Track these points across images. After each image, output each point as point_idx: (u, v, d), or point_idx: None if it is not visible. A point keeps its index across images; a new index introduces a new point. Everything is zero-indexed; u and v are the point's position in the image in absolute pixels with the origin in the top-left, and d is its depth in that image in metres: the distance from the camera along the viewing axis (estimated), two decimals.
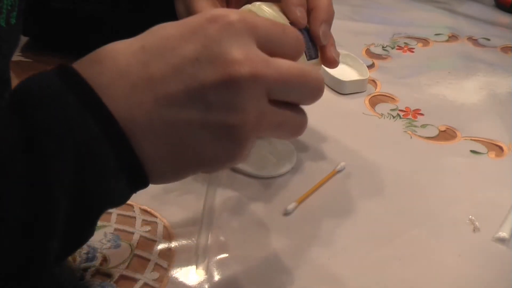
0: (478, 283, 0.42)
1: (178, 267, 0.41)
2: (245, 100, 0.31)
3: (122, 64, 0.31)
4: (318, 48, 0.45)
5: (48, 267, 0.30)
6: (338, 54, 0.46)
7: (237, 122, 0.31)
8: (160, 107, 0.30)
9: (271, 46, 0.34)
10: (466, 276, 0.42)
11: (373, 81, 0.70)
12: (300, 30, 0.42)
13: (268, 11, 0.43)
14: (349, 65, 0.71)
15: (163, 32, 0.32)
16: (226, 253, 0.43)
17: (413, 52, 0.79)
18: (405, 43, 0.81)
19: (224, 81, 0.30)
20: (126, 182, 0.31)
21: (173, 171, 0.33)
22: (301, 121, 0.36)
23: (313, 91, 0.35)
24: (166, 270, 0.41)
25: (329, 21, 0.46)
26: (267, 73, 0.32)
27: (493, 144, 0.58)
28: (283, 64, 0.33)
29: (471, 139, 0.59)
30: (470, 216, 0.48)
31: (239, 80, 0.31)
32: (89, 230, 0.32)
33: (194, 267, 0.42)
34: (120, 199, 0.32)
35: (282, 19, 0.43)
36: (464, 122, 0.62)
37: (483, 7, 0.96)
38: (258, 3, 0.44)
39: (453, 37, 0.84)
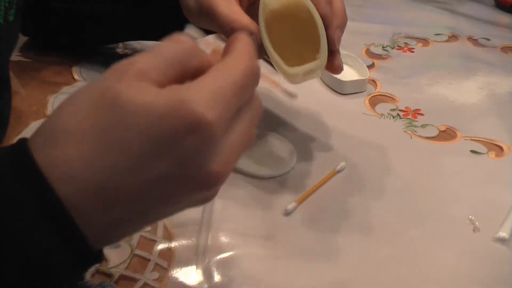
0: (478, 283, 0.42)
1: (178, 267, 0.41)
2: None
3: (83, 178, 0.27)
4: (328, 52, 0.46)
5: None
6: (342, 62, 0.48)
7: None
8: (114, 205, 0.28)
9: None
10: (466, 276, 0.42)
11: (373, 81, 0.70)
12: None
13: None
14: (349, 65, 0.71)
15: (127, 137, 0.27)
16: (226, 253, 0.43)
17: (413, 52, 0.79)
18: (405, 43, 0.81)
19: (198, 190, 0.30)
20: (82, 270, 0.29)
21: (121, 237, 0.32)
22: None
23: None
24: (166, 270, 0.41)
25: (343, 27, 0.47)
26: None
27: (493, 144, 0.58)
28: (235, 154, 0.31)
29: (471, 139, 0.59)
30: (470, 216, 0.48)
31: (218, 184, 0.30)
32: None
33: (194, 267, 0.42)
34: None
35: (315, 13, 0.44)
36: (464, 122, 0.62)
37: (483, 7, 0.96)
38: None
39: (453, 37, 0.84)
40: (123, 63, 0.29)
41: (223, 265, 0.42)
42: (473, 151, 0.57)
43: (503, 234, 0.46)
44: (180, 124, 0.27)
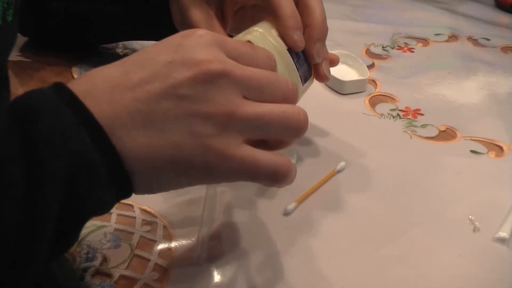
0: (478, 283, 0.42)
1: (178, 267, 0.41)
2: (216, 93, 0.33)
3: (106, 75, 0.34)
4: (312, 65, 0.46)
5: (36, 268, 0.31)
6: (329, 70, 0.48)
7: (209, 111, 0.33)
8: (138, 103, 0.33)
9: (241, 61, 0.35)
10: (466, 276, 0.42)
11: (373, 81, 0.70)
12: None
13: (269, 40, 0.43)
14: (349, 65, 0.71)
15: (142, 50, 0.35)
16: (226, 253, 0.43)
17: (413, 52, 0.79)
18: (405, 43, 0.81)
19: (195, 76, 0.33)
20: (113, 192, 0.33)
21: (156, 175, 0.34)
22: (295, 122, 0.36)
23: (286, 95, 0.36)
24: (166, 270, 0.41)
25: (323, 39, 0.47)
26: (237, 71, 0.34)
27: (493, 144, 0.58)
28: (254, 68, 0.35)
29: (471, 139, 0.59)
30: (470, 216, 0.48)
31: (210, 74, 0.33)
32: (75, 236, 0.34)
33: (194, 267, 0.41)
34: (106, 208, 0.34)
35: (281, 46, 0.43)
36: (464, 122, 0.62)
37: (483, 7, 0.96)
38: (257, 29, 0.43)
39: (453, 37, 0.84)
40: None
41: (223, 265, 0.42)
42: (473, 151, 0.57)
43: (503, 234, 0.46)
44: (178, 34, 0.35)
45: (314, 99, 0.57)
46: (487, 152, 0.57)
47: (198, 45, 0.34)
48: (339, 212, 0.48)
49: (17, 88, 0.60)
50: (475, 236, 0.46)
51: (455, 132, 0.60)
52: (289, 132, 0.36)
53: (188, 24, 0.52)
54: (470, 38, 0.84)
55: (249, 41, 0.41)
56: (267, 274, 0.42)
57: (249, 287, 0.41)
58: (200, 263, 0.42)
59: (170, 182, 0.35)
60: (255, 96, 0.35)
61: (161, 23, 0.58)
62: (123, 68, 0.34)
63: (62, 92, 0.32)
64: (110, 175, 0.32)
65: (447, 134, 0.60)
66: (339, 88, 0.66)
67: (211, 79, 0.33)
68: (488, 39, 0.83)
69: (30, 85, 0.62)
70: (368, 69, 0.70)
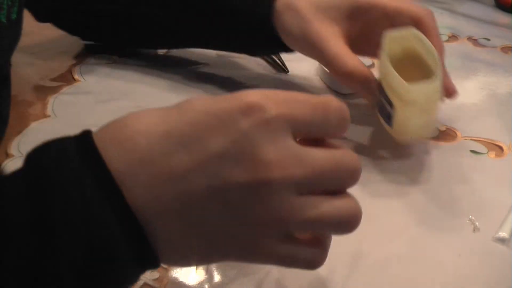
0: (478, 283, 0.42)
1: (178, 267, 0.41)
2: (269, 199, 0.29)
3: (144, 151, 0.29)
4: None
5: None
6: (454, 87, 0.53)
7: (257, 219, 0.30)
8: (178, 203, 0.29)
9: (310, 133, 0.32)
10: (466, 276, 0.42)
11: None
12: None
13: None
14: None
15: (191, 116, 0.29)
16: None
17: None
18: None
19: (251, 184, 0.29)
20: (138, 273, 0.30)
21: (183, 259, 0.32)
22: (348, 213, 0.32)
23: (347, 179, 0.32)
24: (166, 270, 0.41)
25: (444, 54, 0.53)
26: (298, 173, 0.29)
27: (493, 144, 0.58)
28: (318, 157, 0.30)
29: (471, 139, 0.59)
30: (470, 216, 0.48)
31: (268, 184, 0.29)
32: None
33: (194, 267, 0.41)
34: (129, 285, 0.31)
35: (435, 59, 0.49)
36: (464, 122, 0.61)
37: (483, 7, 0.96)
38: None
39: (453, 37, 0.84)
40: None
41: (223, 265, 0.42)
42: (473, 151, 0.57)
43: (503, 234, 0.46)
44: (239, 104, 0.29)
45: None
46: (487, 152, 0.57)
47: (260, 134, 0.29)
48: None
49: (18, 88, 0.60)
50: (475, 236, 0.46)
51: (455, 132, 0.60)
52: (339, 232, 0.33)
53: (310, 40, 0.52)
54: (470, 38, 0.83)
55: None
56: (267, 274, 0.41)
57: (249, 285, 0.41)
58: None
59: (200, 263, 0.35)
60: (314, 189, 0.31)
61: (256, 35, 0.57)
62: (166, 146, 0.29)
63: (86, 152, 0.28)
64: (136, 261, 0.29)
65: (447, 134, 0.60)
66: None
67: (269, 190, 0.29)
68: (488, 39, 0.83)
69: (30, 86, 0.62)
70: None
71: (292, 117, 0.30)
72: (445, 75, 0.51)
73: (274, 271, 0.42)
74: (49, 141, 0.29)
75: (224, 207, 0.29)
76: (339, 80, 0.55)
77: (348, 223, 0.32)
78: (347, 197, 0.32)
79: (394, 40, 0.51)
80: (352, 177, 0.32)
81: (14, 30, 0.48)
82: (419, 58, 0.51)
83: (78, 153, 0.28)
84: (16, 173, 0.28)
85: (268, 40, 0.58)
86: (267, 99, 0.29)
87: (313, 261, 0.34)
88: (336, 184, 0.32)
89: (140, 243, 0.28)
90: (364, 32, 0.55)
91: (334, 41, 0.52)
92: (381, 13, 0.54)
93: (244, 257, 0.32)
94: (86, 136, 0.29)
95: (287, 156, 0.29)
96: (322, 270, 0.42)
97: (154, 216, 0.28)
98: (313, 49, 0.54)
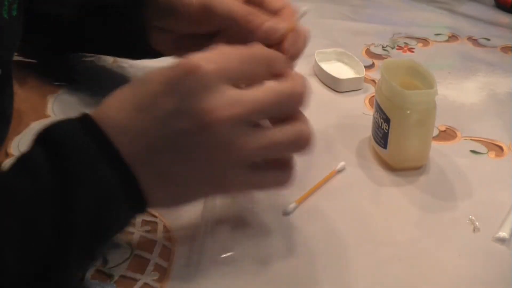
0: (478, 283, 0.42)
1: (178, 267, 0.41)
2: (218, 138, 0.35)
3: (124, 122, 0.36)
4: None
5: (64, 282, 0.35)
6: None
7: (211, 158, 0.36)
8: (149, 154, 0.36)
9: (247, 80, 0.37)
10: (466, 276, 0.42)
11: (373, 81, 0.69)
12: None
13: None
14: (345, 63, 0.71)
15: (150, 87, 0.36)
16: (226, 253, 0.43)
17: (413, 52, 0.78)
18: (405, 43, 0.81)
19: (196, 130, 0.35)
20: (131, 214, 0.38)
21: (166, 198, 0.38)
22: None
23: (292, 107, 0.38)
24: (166, 270, 0.41)
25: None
26: (238, 111, 0.35)
27: (493, 144, 0.58)
28: (256, 95, 0.36)
29: (471, 139, 0.59)
30: (470, 216, 0.48)
31: (210, 127, 0.35)
32: (97, 254, 0.40)
33: (194, 267, 0.41)
34: (124, 226, 0.38)
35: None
36: (464, 122, 0.62)
37: (483, 7, 0.96)
38: None
39: (453, 37, 0.84)
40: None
41: (223, 265, 0.42)
42: (473, 151, 0.57)
43: (503, 234, 0.46)
44: (178, 68, 0.35)
45: (313, 99, 0.57)
46: (487, 152, 0.57)
47: (202, 88, 0.35)
48: (339, 212, 0.48)
49: (18, 88, 0.60)
50: (475, 236, 0.46)
51: (455, 132, 0.60)
52: (293, 152, 0.40)
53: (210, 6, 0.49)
54: (470, 38, 0.83)
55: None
56: (267, 275, 0.42)
57: (248, 286, 0.41)
58: (200, 263, 0.42)
59: (181, 201, 0.40)
60: (263, 118, 0.38)
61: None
62: (136, 116, 0.36)
63: (89, 127, 0.35)
64: (129, 203, 0.36)
65: (447, 134, 0.60)
66: (335, 86, 0.66)
67: (217, 129, 0.35)
68: (488, 39, 0.83)
69: (30, 86, 0.62)
70: (368, 69, 0.70)
71: (224, 69, 0.36)
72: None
73: (274, 273, 0.42)
74: (59, 123, 0.36)
75: (185, 155, 0.36)
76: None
77: (299, 144, 0.38)
78: (297, 121, 0.38)
79: (391, 68, 0.52)
80: (296, 102, 0.38)
81: (15, 26, 0.48)
82: (414, 85, 0.52)
83: (82, 129, 0.35)
84: (34, 147, 0.35)
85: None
86: (204, 59, 0.36)
87: (281, 181, 0.40)
88: (281, 112, 0.38)
89: (130, 186, 0.35)
90: None
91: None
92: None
93: (220, 191, 0.40)
94: (87, 117, 0.36)
95: (225, 101, 0.35)
96: (322, 270, 0.42)
97: (137, 165, 0.35)
98: (204, 12, 0.49)
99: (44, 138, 0.35)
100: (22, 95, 0.60)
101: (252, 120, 0.37)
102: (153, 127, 0.35)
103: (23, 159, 0.35)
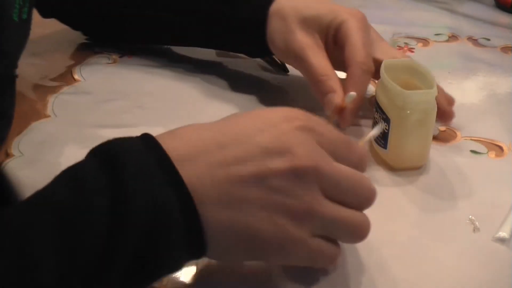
0: (478, 283, 0.42)
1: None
2: (303, 189, 0.35)
3: (200, 141, 0.35)
4: None
5: None
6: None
7: (292, 206, 0.35)
8: (230, 184, 0.34)
9: (333, 156, 0.37)
10: (466, 276, 0.42)
11: (373, 81, 0.69)
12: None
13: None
14: None
15: (240, 121, 0.37)
16: None
17: (413, 52, 0.78)
18: (405, 43, 0.81)
19: (288, 171, 0.35)
20: (186, 254, 0.35)
21: (229, 250, 0.36)
22: (359, 224, 0.39)
23: (364, 199, 0.39)
24: None
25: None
26: (327, 170, 0.36)
27: (493, 144, 0.58)
28: (342, 167, 0.37)
29: (471, 139, 0.59)
30: (470, 216, 0.48)
31: (302, 171, 0.35)
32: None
33: (194, 267, 0.41)
34: (175, 268, 0.36)
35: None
36: (464, 122, 0.61)
37: (483, 7, 0.96)
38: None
39: (453, 37, 0.84)
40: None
41: (223, 265, 0.42)
42: (473, 151, 0.57)
43: (503, 234, 0.46)
44: (281, 114, 0.37)
45: (313, 99, 0.57)
46: (487, 152, 0.57)
47: (297, 135, 0.36)
48: None
49: (18, 88, 0.60)
50: (475, 236, 0.46)
51: (455, 132, 0.60)
52: (350, 239, 0.40)
53: (292, 50, 0.55)
54: (470, 38, 0.83)
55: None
56: (267, 275, 0.41)
57: (249, 287, 0.41)
58: (200, 263, 0.42)
59: (242, 257, 0.38)
60: (335, 195, 0.37)
61: (249, 39, 0.60)
62: (219, 138, 0.35)
63: (152, 148, 0.34)
64: (188, 239, 0.33)
65: (447, 134, 0.60)
66: None
67: (302, 175, 0.35)
68: (488, 39, 0.83)
69: (30, 86, 0.62)
70: None
71: (320, 132, 0.37)
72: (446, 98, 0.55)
73: (274, 273, 0.42)
74: (119, 140, 0.34)
75: (266, 193, 0.34)
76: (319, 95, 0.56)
77: (360, 232, 0.38)
78: (361, 213, 0.39)
79: (391, 69, 0.52)
80: (368, 199, 0.38)
81: (24, 29, 0.48)
82: (414, 85, 0.52)
83: (142, 144, 0.34)
84: (90, 159, 0.34)
85: (262, 44, 0.59)
86: (302, 115, 0.37)
87: (333, 257, 0.39)
88: (354, 200, 0.38)
89: (192, 224, 0.33)
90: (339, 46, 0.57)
91: (315, 53, 0.54)
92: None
93: (279, 250, 0.36)
94: (148, 136, 0.35)
95: (317, 154, 0.36)
96: (322, 270, 0.42)
97: (207, 197, 0.33)
98: (295, 60, 0.56)
99: (102, 151, 0.34)
100: (23, 95, 0.60)
101: (330, 188, 0.37)
102: (240, 160, 0.35)
103: (73, 170, 0.33)
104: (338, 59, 0.55)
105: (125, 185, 0.31)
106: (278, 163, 0.35)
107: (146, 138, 0.35)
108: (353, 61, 0.53)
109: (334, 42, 0.56)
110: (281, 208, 0.35)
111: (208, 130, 0.36)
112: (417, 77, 0.53)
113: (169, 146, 0.34)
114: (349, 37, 0.54)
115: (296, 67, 0.58)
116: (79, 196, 0.31)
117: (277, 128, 0.36)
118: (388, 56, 0.55)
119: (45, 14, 0.68)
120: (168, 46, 0.72)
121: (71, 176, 0.33)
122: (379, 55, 0.56)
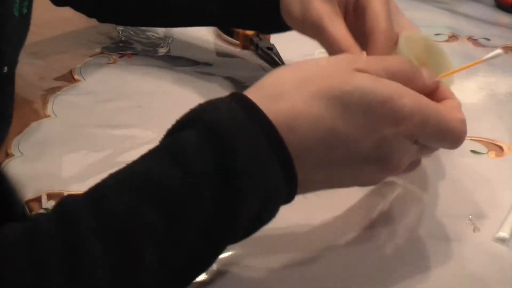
0: (478, 283, 0.42)
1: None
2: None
3: (310, 144, 0.36)
4: None
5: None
6: None
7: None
8: (327, 184, 0.40)
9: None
10: (466, 276, 0.42)
11: None
12: None
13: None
14: None
15: (350, 122, 0.36)
16: (226, 252, 0.43)
17: None
18: None
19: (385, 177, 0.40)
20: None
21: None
22: None
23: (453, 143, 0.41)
24: None
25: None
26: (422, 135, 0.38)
27: (493, 144, 0.58)
28: (426, 117, 0.38)
29: (471, 139, 0.59)
30: (470, 216, 0.48)
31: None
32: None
33: None
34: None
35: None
36: None
37: (483, 7, 0.96)
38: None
39: (453, 37, 0.84)
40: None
41: (223, 265, 0.42)
42: (473, 151, 0.57)
43: (503, 234, 0.46)
44: (390, 112, 0.36)
45: None
46: (487, 152, 0.57)
47: (397, 144, 0.37)
48: (339, 211, 0.48)
49: (18, 87, 0.60)
50: (475, 236, 0.46)
51: None
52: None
53: (309, 20, 0.51)
54: (470, 38, 0.83)
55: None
56: (266, 273, 0.42)
57: (249, 287, 0.41)
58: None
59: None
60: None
61: (262, 12, 0.57)
62: (329, 143, 0.36)
63: (264, 127, 0.34)
64: (287, 195, 0.36)
65: None
66: None
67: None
68: (488, 39, 0.83)
69: (30, 85, 0.62)
70: None
71: (421, 132, 0.38)
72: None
73: (274, 273, 0.42)
74: (217, 104, 0.36)
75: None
76: None
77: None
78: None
79: (408, 44, 0.51)
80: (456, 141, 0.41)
81: (24, 24, 0.48)
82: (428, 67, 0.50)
83: (248, 118, 0.34)
84: (189, 132, 0.34)
85: (276, 16, 0.56)
86: (413, 113, 0.37)
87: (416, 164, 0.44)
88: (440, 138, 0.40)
89: (292, 183, 0.35)
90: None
91: (334, 22, 0.51)
92: None
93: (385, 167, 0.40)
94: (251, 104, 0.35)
95: (407, 159, 0.40)
96: (322, 270, 0.42)
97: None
98: (312, 30, 0.53)
99: (196, 119, 0.35)
100: (22, 95, 0.60)
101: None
102: (343, 165, 0.37)
103: (170, 146, 0.33)
104: (356, 28, 0.52)
105: (239, 177, 0.32)
106: (374, 171, 0.39)
107: (250, 112, 0.34)
108: (376, 29, 0.50)
109: (354, 9, 0.53)
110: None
111: (318, 124, 0.36)
112: (433, 59, 0.51)
113: (285, 136, 0.34)
114: (371, 3, 0.51)
115: (314, 38, 0.54)
116: (187, 185, 0.31)
117: (378, 134, 0.37)
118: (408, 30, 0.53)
119: (58, 2, 0.67)
120: (169, 44, 0.72)
121: (173, 156, 0.32)
122: (398, 28, 0.53)
